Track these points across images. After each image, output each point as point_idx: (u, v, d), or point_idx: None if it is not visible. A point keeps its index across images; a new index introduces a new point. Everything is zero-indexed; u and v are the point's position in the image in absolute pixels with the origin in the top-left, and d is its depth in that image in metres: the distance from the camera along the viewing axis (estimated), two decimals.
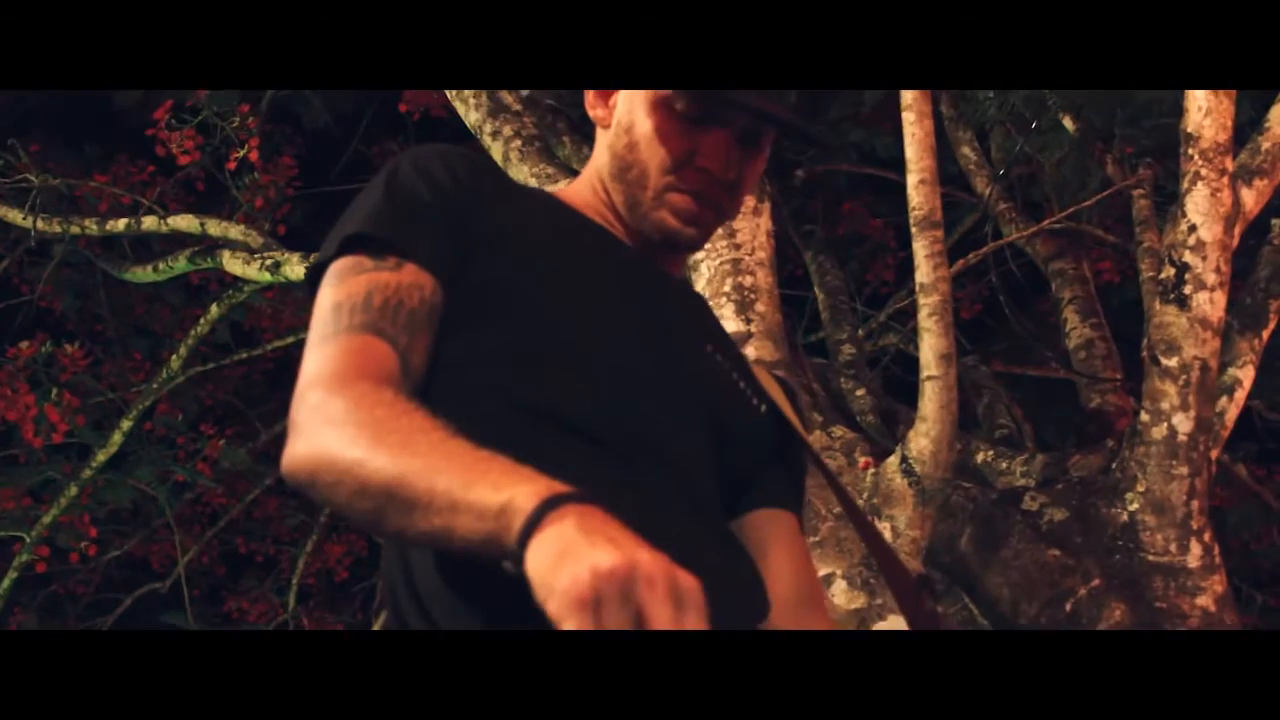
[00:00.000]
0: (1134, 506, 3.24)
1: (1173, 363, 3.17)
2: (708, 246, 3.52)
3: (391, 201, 1.26)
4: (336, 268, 1.24)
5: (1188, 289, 3.18)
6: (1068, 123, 4.64)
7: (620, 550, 0.92)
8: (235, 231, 5.50)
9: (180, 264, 5.76)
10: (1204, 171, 3.18)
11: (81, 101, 6.68)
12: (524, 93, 4.30)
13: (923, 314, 3.13)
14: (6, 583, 6.64)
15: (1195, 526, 3.19)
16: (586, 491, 1.00)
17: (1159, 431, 3.20)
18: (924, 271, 3.14)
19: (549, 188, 3.74)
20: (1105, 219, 5.10)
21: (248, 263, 5.27)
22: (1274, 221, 3.83)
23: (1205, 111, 3.18)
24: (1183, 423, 3.17)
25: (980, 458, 4.20)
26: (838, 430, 3.59)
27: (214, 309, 6.14)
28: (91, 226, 5.96)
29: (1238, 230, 3.36)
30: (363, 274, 1.22)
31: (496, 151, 4.12)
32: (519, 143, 4.07)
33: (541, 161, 3.99)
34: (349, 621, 7.84)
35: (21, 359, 6.17)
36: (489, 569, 1.01)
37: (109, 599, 7.50)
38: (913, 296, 3.24)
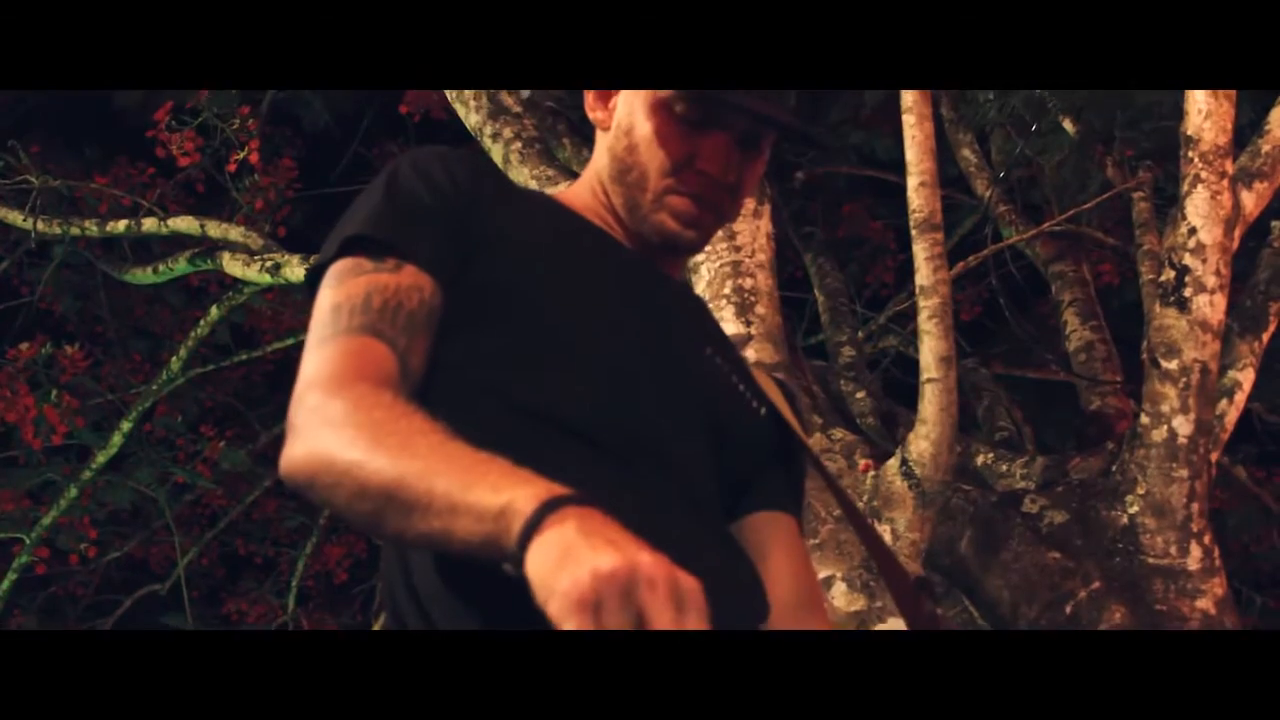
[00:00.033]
0: (1134, 509, 3.24)
1: (1173, 365, 3.17)
2: (708, 249, 3.52)
3: (391, 203, 1.27)
4: (336, 269, 1.24)
5: (1188, 291, 3.19)
6: (1068, 125, 4.64)
7: (621, 552, 0.92)
8: (235, 233, 5.50)
9: (180, 266, 5.76)
10: (1204, 174, 3.18)
11: (82, 103, 6.68)
12: (524, 95, 4.30)
13: (923, 316, 3.13)
14: (6, 584, 6.64)
15: (1195, 529, 3.19)
16: (586, 494, 1.00)
17: (1159, 434, 3.20)
18: (924, 274, 3.14)
19: (549, 190, 3.75)
20: (1105, 221, 5.10)
21: (248, 264, 5.27)
22: (1274, 224, 3.83)
23: (1205, 114, 3.18)
24: (1183, 425, 3.17)
25: (980, 460, 4.20)
26: (838, 432, 3.59)
27: (214, 311, 6.15)
28: (92, 228, 5.96)
29: (1238, 233, 3.36)
30: (362, 276, 1.22)
31: (497, 154, 4.12)
32: (519, 145, 4.08)
33: (542, 164, 4.00)
34: (349, 623, 7.83)
35: (21, 360, 6.17)
36: (488, 571, 1.01)
37: (108, 600, 7.51)
38: (913, 299, 3.24)
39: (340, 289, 1.22)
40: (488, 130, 4.17)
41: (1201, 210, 3.18)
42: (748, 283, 3.53)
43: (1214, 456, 3.43)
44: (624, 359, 1.28)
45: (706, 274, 3.58)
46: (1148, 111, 4.28)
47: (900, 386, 5.49)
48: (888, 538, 3.11)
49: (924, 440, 3.11)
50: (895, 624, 2.85)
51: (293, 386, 1.19)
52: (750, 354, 3.41)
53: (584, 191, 1.43)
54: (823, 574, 2.99)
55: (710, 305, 3.50)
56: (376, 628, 6.64)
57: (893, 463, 3.19)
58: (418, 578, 1.17)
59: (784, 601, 1.34)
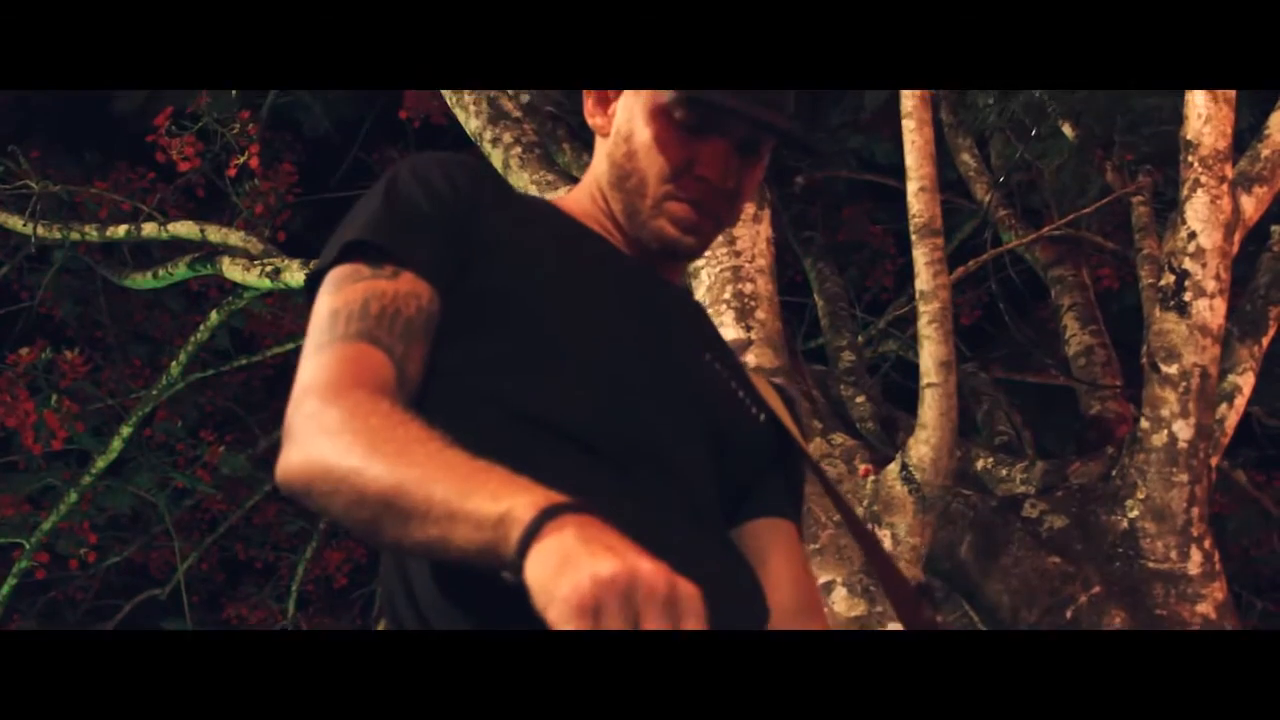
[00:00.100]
0: (1134, 513, 3.24)
1: (1173, 370, 3.18)
2: (708, 254, 3.51)
3: (390, 209, 1.26)
4: (334, 275, 1.24)
5: (1187, 296, 3.19)
6: (1067, 129, 4.64)
7: (620, 558, 0.92)
8: (235, 238, 5.51)
9: (180, 270, 5.77)
10: (1204, 178, 3.19)
11: (82, 108, 6.69)
12: (524, 100, 4.30)
13: (923, 321, 3.13)
14: (6, 589, 6.64)
15: (1195, 533, 3.19)
16: (584, 501, 1.00)
17: (1159, 438, 3.20)
18: (924, 279, 3.14)
19: (549, 195, 3.75)
20: (1105, 226, 5.10)
21: (247, 269, 5.27)
22: (1274, 228, 3.83)
23: (1205, 118, 3.18)
24: (1183, 430, 3.17)
25: (980, 465, 4.20)
26: (837, 437, 3.59)
27: (214, 315, 6.15)
28: (91, 233, 5.97)
29: (1237, 237, 3.36)
30: (360, 282, 1.22)
31: (497, 158, 4.12)
32: (519, 150, 4.08)
33: (541, 169, 4.00)
34: (348, 628, 7.83)
35: (21, 365, 6.17)
36: (486, 578, 1.01)
37: (108, 605, 7.51)
38: (912, 303, 3.24)
39: (338, 295, 1.22)
40: (487, 135, 4.17)
41: (1201, 215, 3.19)
42: (747, 287, 3.54)
43: (1214, 461, 3.43)
44: (623, 365, 1.28)
45: (706, 279, 3.58)
46: (1147, 116, 4.28)
47: (900, 391, 5.49)
48: (888, 543, 3.11)
49: (924, 445, 3.11)
50: (895, 629, 2.85)
51: (292, 389, 1.19)
52: (750, 359, 3.41)
53: (583, 197, 1.43)
54: (823, 579, 2.99)
55: (710, 310, 3.50)
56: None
57: (893, 467, 3.19)
58: (417, 585, 1.17)
59: (784, 607, 1.34)
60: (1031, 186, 5.31)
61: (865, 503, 3.20)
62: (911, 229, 3.19)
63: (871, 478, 3.26)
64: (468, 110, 4.26)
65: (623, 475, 1.21)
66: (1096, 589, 3.19)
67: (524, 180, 3.97)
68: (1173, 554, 3.18)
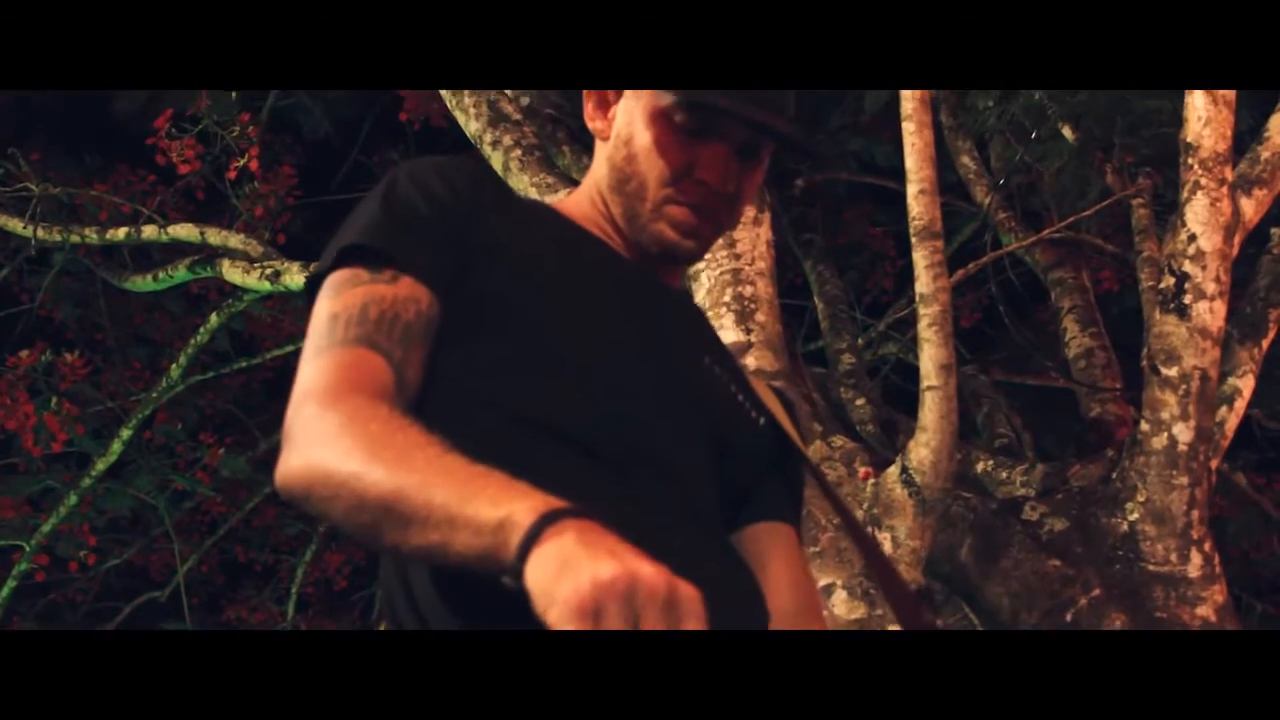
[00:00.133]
0: (1134, 516, 3.24)
1: (1173, 372, 3.18)
2: (708, 256, 3.52)
3: (389, 214, 1.27)
4: (333, 279, 1.24)
5: (1187, 298, 3.19)
6: (1067, 132, 4.65)
7: (620, 561, 0.93)
8: (235, 240, 5.51)
9: (180, 273, 5.77)
10: (1203, 181, 3.19)
11: (82, 110, 6.69)
12: (524, 102, 4.30)
13: (923, 324, 3.13)
14: (6, 591, 6.64)
15: (1195, 536, 3.19)
16: (584, 506, 1.00)
17: (1159, 441, 3.20)
18: (924, 281, 3.14)
19: (549, 198, 3.75)
20: (1105, 228, 5.10)
21: (247, 272, 5.28)
22: (1273, 231, 3.83)
23: (1205, 121, 3.19)
24: (1183, 432, 3.17)
25: (980, 467, 4.20)
26: (838, 440, 3.58)
27: (214, 318, 6.15)
28: (91, 235, 5.97)
29: (1237, 240, 3.36)
30: (359, 286, 1.22)
31: (497, 161, 4.12)
32: (519, 152, 4.08)
33: (541, 171, 4.00)
34: (348, 630, 7.82)
35: (21, 368, 6.18)
36: (486, 582, 1.01)
37: (108, 607, 7.50)
38: (912, 305, 3.24)
39: (337, 299, 1.22)
40: (487, 138, 4.17)
41: (1201, 217, 3.19)
42: (748, 290, 3.54)
43: (1214, 463, 3.43)
44: (623, 369, 1.28)
45: (706, 282, 3.58)
46: (1147, 118, 4.28)
47: (900, 393, 5.49)
48: (888, 545, 3.11)
49: (924, 448, 3.11)
50: (894, 630, 2.85)
51: (292, 393, 1.19)
52: (750, 361, 3.41)
53: (583, 201, 1.43)
54: (823, 581, 2.99)
55: (710, 313, 3.50)
56: None
57: (893, 470, 3.19)
58: (416, 588, 1.17)
59: (783, 611, 1.34)
60: (1031, 189, 5.31)
61: (865, 505, 3.20)
62: (911, 231, 3.19)
63: (871, 480, 3.26)
64: (468, 113, 4.26)
65: (623, 479, 1.21)
66: (1096, 592, 3.19)
67: (524, 183, 3.97)
68: (1173, 557, 3.18)
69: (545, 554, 0.95)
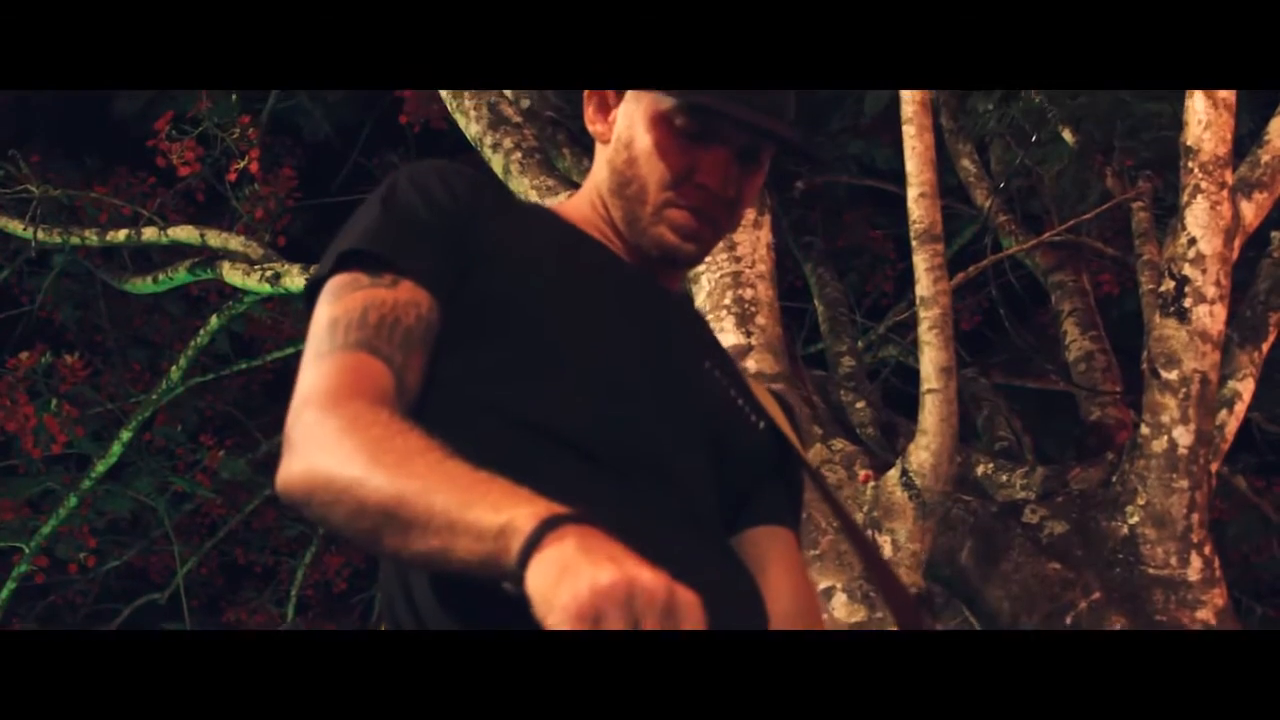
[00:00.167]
0: (1134, 519, 3.24)
1: (1173, 376, 3.17)
2: (708, 259, 3.52)
3: (389, 218, 1.27)
4: (333, 284, 1.24)
5: (1187, 302, 3.19)
6: (1067, 135, 4.65)
7: (620, 567, 0.93)
8: (235, 243, 5.51)
9: (180, 275, 5.77)
10: (1204, 184, 3.19)
11: (82, 112, 6.69)
12: (524, 105, 4.30)
13: (923, 327, 3.13)
14: (5, 593, 6.63)
15: (1195, 539, 3.19)
16: (585, 512, 1.00)
17: (1159, 444, 3.20)
18: (924, 285, 3.14)
19: (549, 201, 3.75)
20: (1105, 231, 5.10)
21: (247, 274, 5.27)
22: (1273, 234, 3.83)
23: (1205, 124, 3.19)
24: (1183, 436, 3.17)
25: (980, 470, 4.19)
26: (838, 443, 3.58)
27: (214, 320, 6.15)
28: (92, 237, 5.96)
29: (1237, 243, 3.36)
30: (359, 291, 1.22)
31: (497, 164, 4.12)
32: (519, 155, 4.08)
33: (542, 174, 4.00)
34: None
35: (21, 369, 6.17)
36: (486, 588, 1.01)
37: (108, 609, 7.50)
38: (913, 308, 3.24)
39: (337, 304, 1.22)
40: (488, 140, 4.17)
41: (1201, 220, 3.19)
42: (748, 293, 3.54)
43: (1214, 467, 3.43)
44: (623, 373, 1.28)
45: (707, 284, 3.58)
46: (1147, 122, 4.28)
47: (900, 396, 5.48)
48: (888, 549, 3.11)
49: (924, 451, 3.11)
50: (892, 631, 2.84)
51: (292, 397, 1.19)
52: (750, 364, 3.41)
53: (583, 204, 1.43)
54: (823, 585, 2.99)
55: (710, 316, 3.50)
56: None
57: (893, 473, 3.19)
58: (416, 591, 1.17)
59: (783, 615, 1.34)
60: (1031, 192, 5.31)
61: (865, 508, 3.20)
62: (912, 235, 3.19)
63: (872, 483, 3.26)
64: (468, 115, 4.26)
65: (622, 483, 1.21)
66: (1096, 595, 3.19)
67: (524, 185, 3.97)
68: (1173, 560, 3.18)
69: (546, 559, 0.95)
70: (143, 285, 6.10)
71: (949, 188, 4.88)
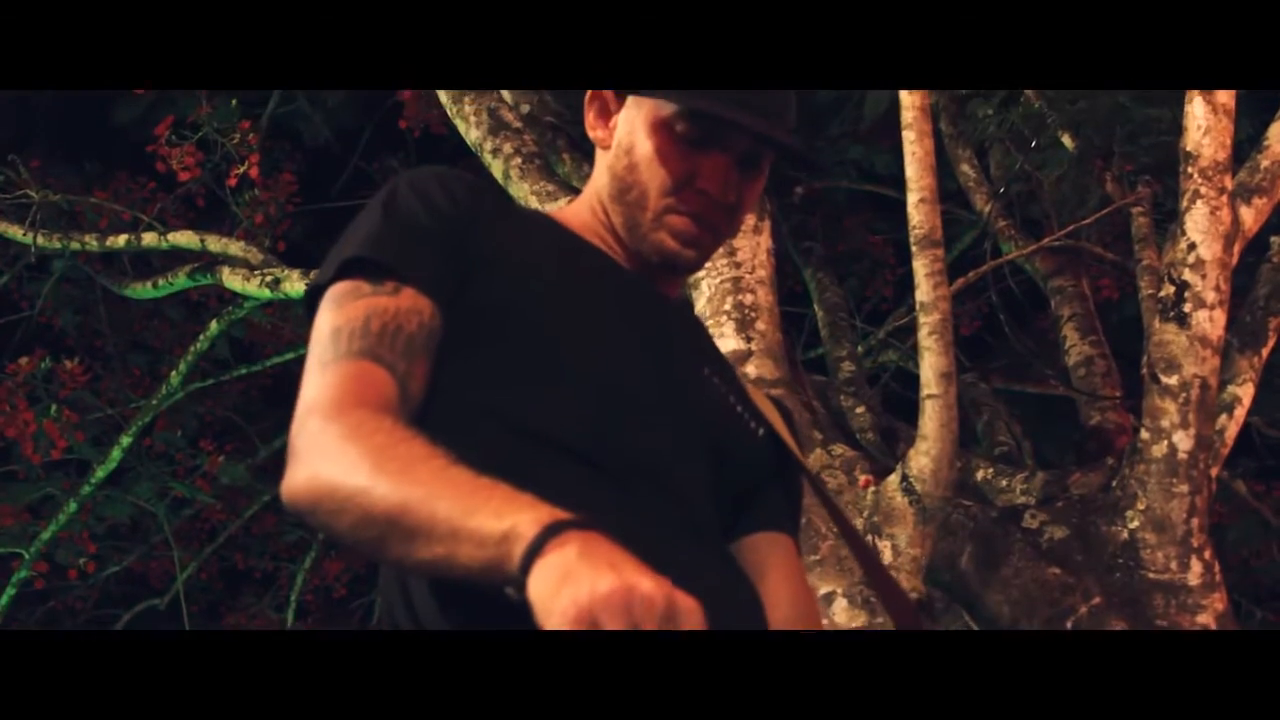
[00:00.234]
0: (1134, 524, 3.24)
1: (1172, 380, 3.17)
2: (708, 265, 3.51)
3: (389, 225, 1.26)
4: (335, 292, 1.24)
5: (1187, 307, 3.19)
6: (1067, 140, 4.65)
7: (620, 574, 0.93)
8: (235, 248, 5.51)
9: (180, 280, 5.77)
10: (1203, 189, 3.19)
11: (82, 117, 6.69)
12: (524, 110, 4.30)
13: (923, 332, 3.13)
14: (5, 599, 6.63)
15: (1196, 544, 3.19)
16: (588, 518, 1.00)
17: (1159, 449, 3.19)
18: (924, 290, 3.14)
19: (549, 206, 3.75)
20: (1104, 236, 5.10)
21: (247, 279, 5.27)
22: (1273, 239, 3.83)
23: (1204, 130, 3.19)
24: (1183, 440, 3.17)
25: (980, 475, 4.19)
26: (838, 448, 3.58)
27: (213, 325, 6.15)
28: (91, 242, 5.97)
29: (1237, 248, 3.36)
30: (361, 299, 1.22)
31: (496, 169, 4.12)
32: (519, 160, 4.08)
33: (542, 179, 4.00)
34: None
35: (21, 375, 6.17)
36: (486, 594, 1.01)
37: (107, 615, 7.50)
38: (912, 314, 3.24)
39: (339, 312, 1.22)
40: (488, 145, 4.17)
41: (1201, 226, 3.19)
42: (748, 299, 3.54)
43: (1214, 471, 3.43)
44: (623, 380, 1.28)
45: (707, 290, 3.58)
46: (1147, 127, 4.28)
47: (900, 401, 5.48)
48: (888, 554, 3.11)
49: (924, 456, 3.11)
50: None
51: (292, 401, 1.19)
52: (750, 369, 3.41)
53: (583, 210, 1.43)
54: (823, 590, 2.99)
55: (710, 321, 3.50)
56: None
57: (893, 478, 3.19)
58: (415, 596, 1.17)
59: (782, 621, 1.34)
60: (1031, 197, 5.31)
61: (866, 514, 3.20)
62: (912, 240, 3.19)
63: (872, 489, 3.26)
64: (468, 120, 4.26)
65: (622, 490, 1.22)
66: (1097, 600, 3.19)
67: (524, 191, 3.98)
68: (1173, 564, 3.18)
69: (547, 566, 0.96)
70: (142, 290, 6.10)
71: (949, 193, 4.88)
